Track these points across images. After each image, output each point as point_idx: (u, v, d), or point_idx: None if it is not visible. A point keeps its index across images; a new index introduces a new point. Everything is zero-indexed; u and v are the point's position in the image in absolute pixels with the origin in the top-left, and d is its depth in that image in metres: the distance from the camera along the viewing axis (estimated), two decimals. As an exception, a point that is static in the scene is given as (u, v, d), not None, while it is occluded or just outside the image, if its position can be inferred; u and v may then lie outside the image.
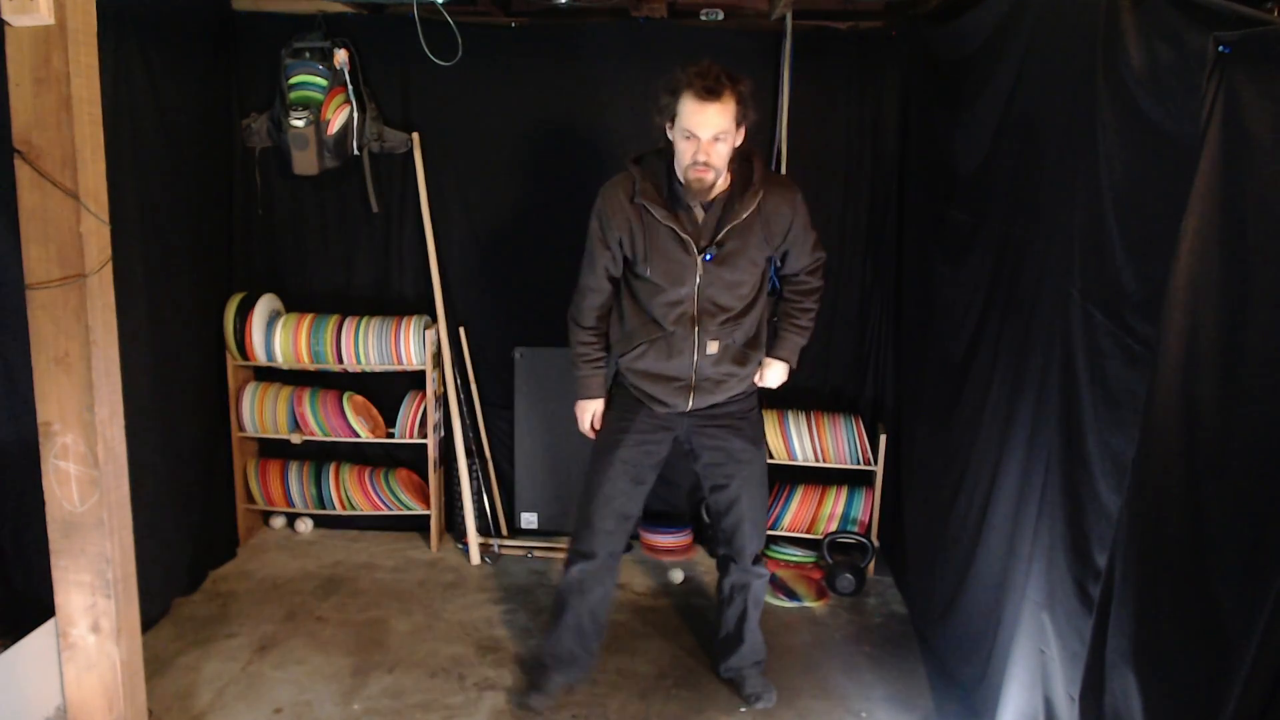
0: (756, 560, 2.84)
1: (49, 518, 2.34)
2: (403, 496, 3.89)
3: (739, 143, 2.47)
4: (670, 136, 2.48)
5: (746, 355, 2.68)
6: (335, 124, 3.59)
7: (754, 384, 2.78)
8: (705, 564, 3.79)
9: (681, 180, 2.49)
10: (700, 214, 2.54)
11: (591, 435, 2.82)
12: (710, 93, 2.32)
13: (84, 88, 2.15)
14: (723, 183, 2.52)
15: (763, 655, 2.95)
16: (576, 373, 2.77)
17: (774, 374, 2.79)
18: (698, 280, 2.55)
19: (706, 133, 2.36)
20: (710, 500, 2.86)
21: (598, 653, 2.93)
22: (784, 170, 3.69)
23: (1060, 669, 2.10)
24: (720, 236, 2.52)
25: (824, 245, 3.77)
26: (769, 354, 2.77)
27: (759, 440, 2.81)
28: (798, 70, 3.62)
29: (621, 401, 2.76)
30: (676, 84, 2.39)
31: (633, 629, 3.33)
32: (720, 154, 2.41)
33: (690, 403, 2.68)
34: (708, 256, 2.52)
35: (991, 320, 2.68)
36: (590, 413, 2.81)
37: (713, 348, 2.61)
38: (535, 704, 2.82)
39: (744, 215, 2.51)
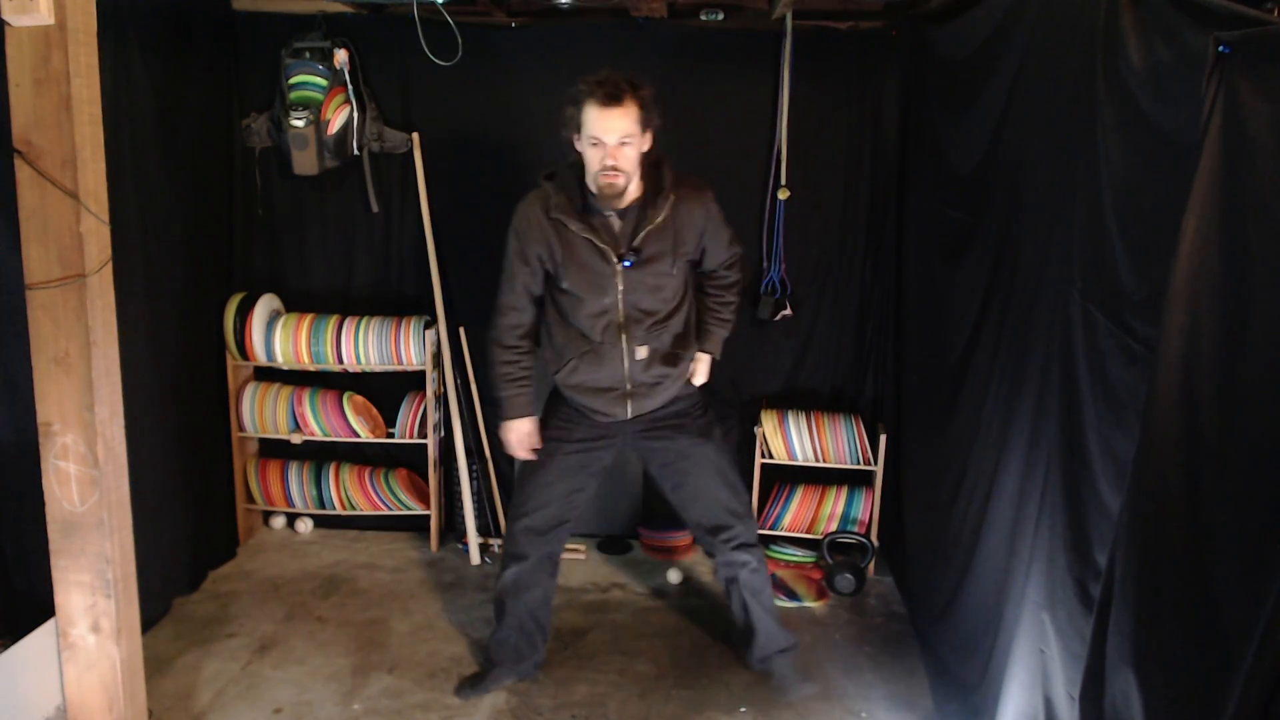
0: (740, 546, 2.83)
1: (49, 518, 2.34)
2: (403, 496, 3.89)
3: (646, 147, 2.51)
4: (579, 148, 2.52)
5: (677, 356, 2.70)
6: (335, 124, 3.59)
7: (691, 384, 2.80)
8: (705, 564, 3.79)
9: (594, 189, 2.52)
10: (616, 222, 2.57)
11: (524, 456, 2.79)
12: (612, 99, 2.38)
13: (84, 88, 2.15)
14: (635, 190, 2.56)
15: (787, 643, 2.95)
16: (500, 394, 2.75)
17: (700, 369, 2.82)
18: (620, 288, 2.58)
19: (612, 138, 2.41)
20: (674, 499, 2.87)
21: (543, 649, 2.98)
22: (784, 170, 3.70)
23: (1060, 669, 2.10)
24: (637, 242, 2.55)
25: (822, 246, 3.85)
26: (701, 348, 2.80)
27: (708, 432, 2.81)
28: (798, 70, 3.62)
29: (563, 412, 2.78)
30: (579, 95, 2.43)
31: (633, 629, 3.33)
32: (628, 158, 2.45)
33: (630, 410, 2.70)
34: (627, 263, 2.55)
35: (989, 320, 2.68)
36: (518, 432, 2.76)
37: (641, 353, 2.63)
38: (464, 695, 2.89)
39: (658, 219, 2.54)
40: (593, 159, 2.46)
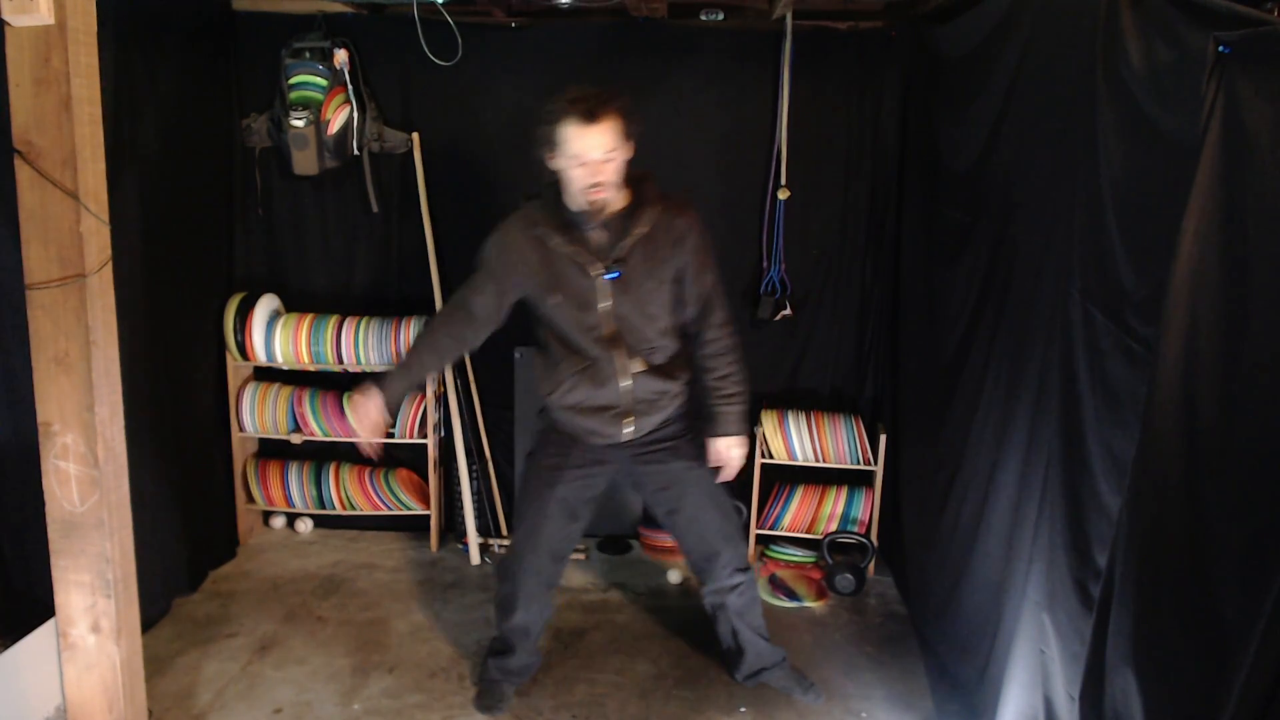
0: (733, 570, 2.78)
1: (49, 518, 2.34)
2: (403, 496, 3.89)
3: (629, 155, 2.46)
4: (553, 167, 2.47)
5: (674, 371, 2.64)
6: (335, 124, 3.59)
7: (685, 404, 2.72)
8: (705, 564, 3.79)
9: (579, 205, 2.47)
10: (598, 235, 2.52)
11: (364, 428, 2.63)
12: (591, 116, 2.34)
13: (84, 88, 2.15)
14: (618, 201, 2.51)
15: (777, 658, 2.93)
16: (404, 360, 2.71)
17: (733, 454, 2.69)
18: (608, 302, 2.53)
19: (596, 154, 2.37)
20: (668, 524, 2.82)
21: (540, 656, 2.99)
22: (784, 170, 3.70)
23: (1060, 669, 2.10)
24: (620, 254, 2.50)
25: (822, 246, 3.85)
26: (715, 434, 2.68)
27: (701, 456, 2.72)
28: (798, 70, 3.62)
29: (556, 440, 2.71)
30: (553, 114, 2.38)
31: (632, 629, 3.33)
32: (613, 172, 2.42)
33: (626, 431, 2.63)
34: (611, 275, 2.50)
35: (985, 319, 2.68)
36: (375, 405, 2.58)
37: (638, 365, 2.57)
38: (496, 711, 2.83)
39: (642, 230, 2.50)
40: (578, 178, 2.41)
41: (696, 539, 2.76)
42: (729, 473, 2.73)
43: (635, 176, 2.53)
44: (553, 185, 2.54)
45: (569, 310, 2.54)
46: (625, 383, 2.57)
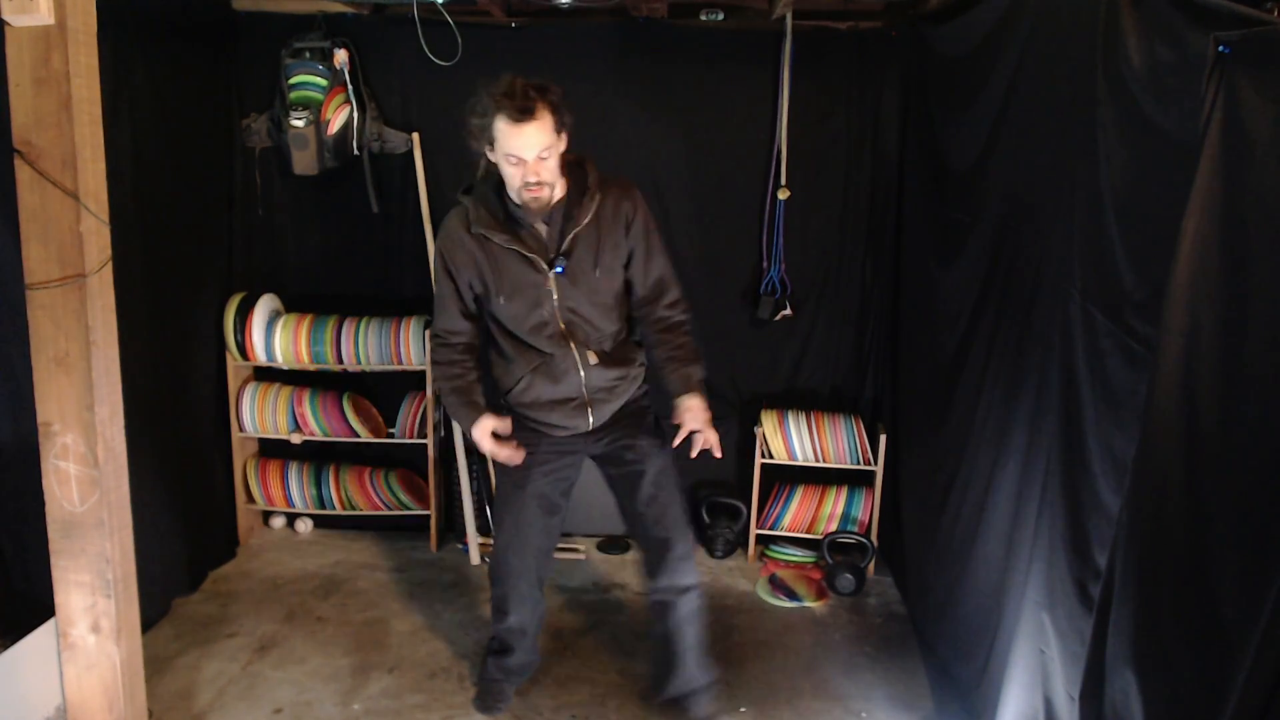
0: (689, 570, 2.65)
1: (49, 518, 2.34)
2: (402, 496, 3.89)
3: (564, 148, 2.37)
4: (490, 159, 2.39)
5: (627, 355, 2.61)
6: (335, 124, 3.59)
7: (643, 384, 2.68)
8: (705, 564, 3.79)
9: (517, 201, 2.41)
10: (542, 229, 2.45)
11: (503, 454, 2.54)
12: (524, 113, 2.23)
13: (84, 88, 2.15)
14: (559, 191, 2.43)
15: (707, 680, 2.79)
16: (456, 411, 2.60)
17: (694, 410, 2.53)
18: (555, 296, 2.46)
19: (531, 153, 2.28)
20: (630, 507, 2.68)
21: (539, 654, 2.94)
22: (784, 170, 3.70)
23: (1060, 669, 2.10)
24: (566, 245, 2.44)
25: (822, 246, 3.85)
26: (675, 396, 2.55)
27: (663, 437, 2.66)
28: (798, 70, 3.62)
29: (519, 436, 2.61)
30: (485, 107, 2.28)
31: (632, 629, 3.33)
32: (550, 169, 2.34)
33: (591, 420, 2.59)
34: (558, 269, 2.44)
35: (985, 319, 2.68)
36: (485, 428, 2.53)
37: (594, 358, 2.53)
38: (495, 711, 2.82)
39: (585, 219, 2.43)
40: (513, 176, 2.33)
41: (653, 522, 2.63)
42: (695, 421, 2.51)
43: (573, 161, 2.45)
44: (491, 177, 2.46)
45: (519, 308, 2.49)
46: (582, 374, 2.53)
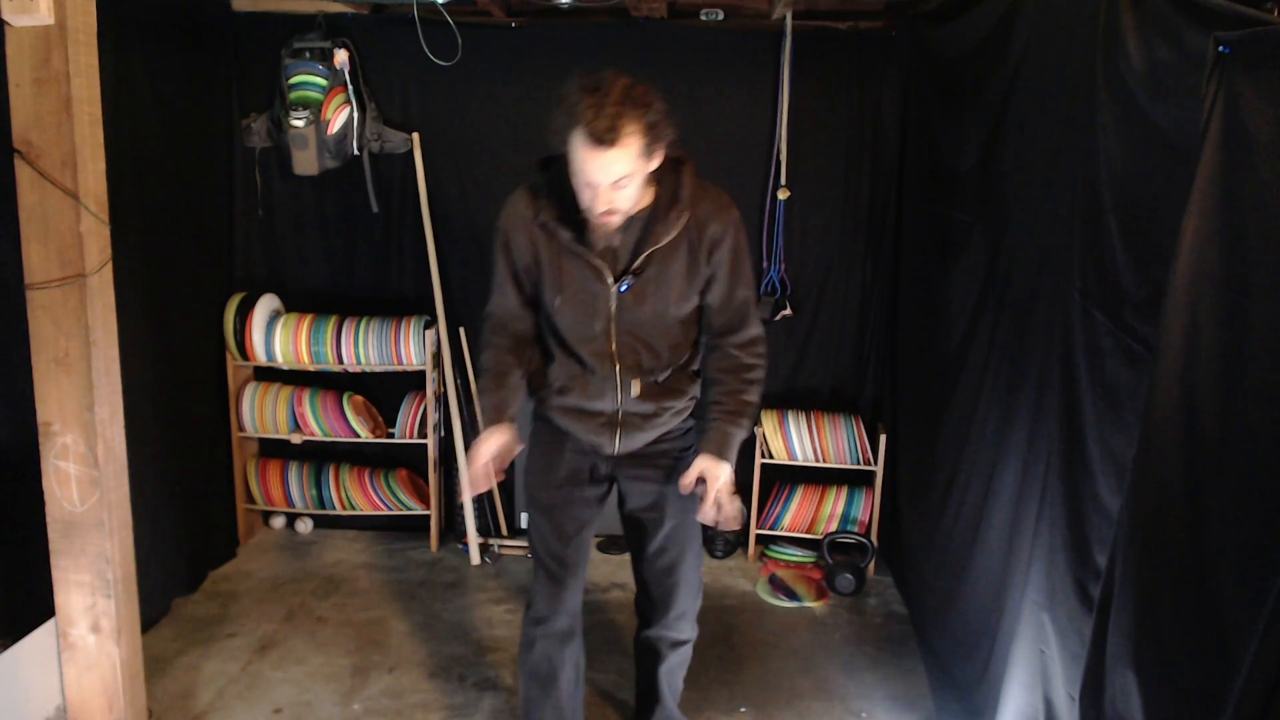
0: (687, 627, 2.46)
1: (49, 518, 2.34)
2: (402, 496, 3.89)
3: (655, 166, 2.03)
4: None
5: (679, 386, 2.28)
6: (335, 124, 3.59)
7: (689, 419, 2.34)
8: (705, 564, 3.79)
9: (586, 217, 2.07)
10: (617, 237, 2.10)
11: (480, 478, 2.19)
12: (603, 140, 1.88)
13: (84, 88, 2.15)
14: (644, 200, 2.09)
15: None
16: (484, 395, 2.25)
17: (713, 481, 2.13)
18: (613, 311, 2.14)
19: (606, 180, 1.94)
20: (635, 551, 2.44)
21: None
22: (784, 170, 3.70)
23: (1060, 669, 2.10)
24: (638, 264, 2.11)
25: (822, 246, 3.85)
26: (701, 453, 2.16)
27: (695, 496, 2.24)
28: (798, 70, 3.63)
29: (545, 438, 2.36)
30: (569, 112, 1.91)
31: (632, 629, 3.32)
32: (627, 196, 2.00)
33: (616, 444, 2.28)
34: (623, 287, 2.12)
35: (985, 319, 2.68)
36: (493, 446, 2.16)
37: (637, 388, 2.22)
38: None
39: (666, 239, 2.09)
40: (584, 197, 2.01)
41: (657, 576, 2.39)
42: (707, 501, 2.15)
43: (669, 162, 2.10)
44: (566, 164, 2.06)
45: (573, 313, 2.19)
46: (622, 397, 2.24)
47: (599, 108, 1.87)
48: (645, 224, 2.11)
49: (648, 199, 2.11)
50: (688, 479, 2.17)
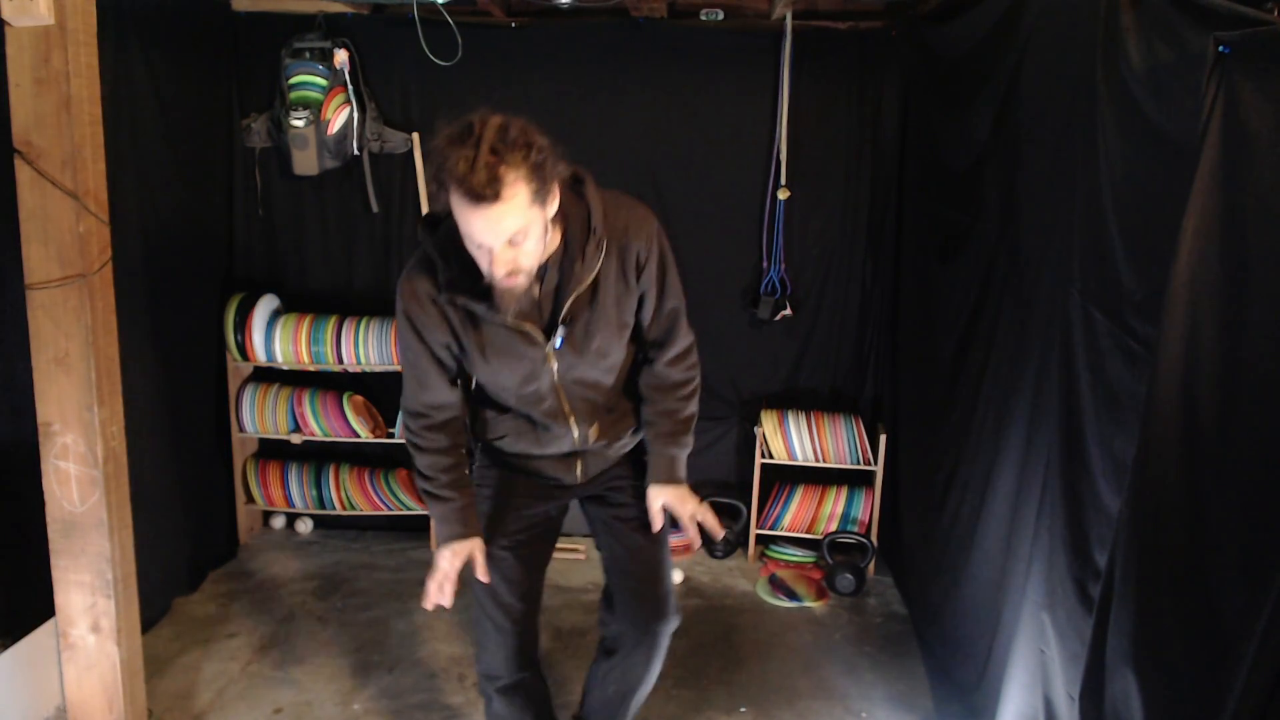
0: (665, 636, 2.24)
1: (49, 518, 2.35)
2: (403, 496, 3.89)
3: (553, 211, 1.79)
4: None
5: (627, 409, 2.15)
6: (335, 124, 3.59)
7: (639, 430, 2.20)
8: (705, 564, 3.79)
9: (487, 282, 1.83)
10: (535, 288, 1.89)
11: (437, 594, 2.00)
12: (483, 199, 1.63)
13: (84, 88, 2.15)
14: (554, 239, 1.85)
15: None
16: (437, 505, 2.06)
17: (672, 504, 2.11)
18: (554, 370, 1.96)
19: (498, 240, 1.70)
20: (609, 551, 2.27)
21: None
22: (784, 170, 3.69)
23: (1060, 669, 2.10)
24: (565, 313, 1.90)
25: (822, 246, 3.85)
26: (651, 483, 2.11)
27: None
28: (798, 70, 3.63)
29: (493, 479, 2.19)
30: (439, 169, 1.67)
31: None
32: (529, 253, 1.75)
33: (579, 473, 2.15)
34: (558, 343, 1.93)
35: (985, 319, 2.68)
36: (461, 559, 2.02)
37: (594, 434, 2.09)
38: None
39: (590, 276, 1.89)
40: (481, 262, 1.77)
41: (637, 588, 2.24)
42: (688, 529, 2.10)
43: (567, 184, 1.87)
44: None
45: (508, 377, 1.99)
46: (580, 441, 2.09)
47: (472, 160, 1.62)
48: (561, 266, 1.90)
49: (556, 239, 1.87)
50: (656, 518, 2.12)
